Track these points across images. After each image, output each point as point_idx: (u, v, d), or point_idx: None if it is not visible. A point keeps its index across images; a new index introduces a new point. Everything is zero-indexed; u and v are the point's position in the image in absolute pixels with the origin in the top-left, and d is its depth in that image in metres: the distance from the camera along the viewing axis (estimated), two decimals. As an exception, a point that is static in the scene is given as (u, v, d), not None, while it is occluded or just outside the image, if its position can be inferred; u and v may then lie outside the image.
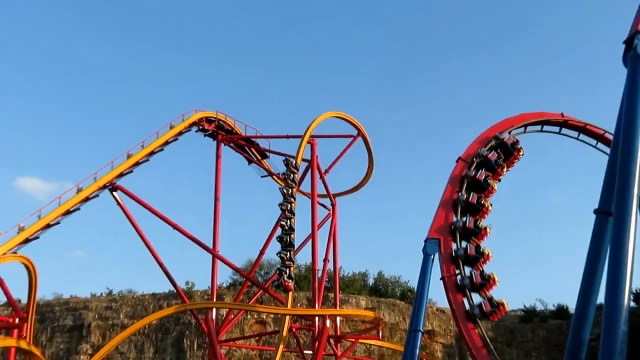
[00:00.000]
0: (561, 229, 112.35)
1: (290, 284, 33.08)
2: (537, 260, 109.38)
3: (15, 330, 31.57)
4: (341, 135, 43.24)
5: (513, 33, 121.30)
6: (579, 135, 31.17)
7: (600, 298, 14.23)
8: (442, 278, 25.17)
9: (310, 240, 37.70)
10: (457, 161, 28.38)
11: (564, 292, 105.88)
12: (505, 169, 29.16)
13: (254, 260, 42.71)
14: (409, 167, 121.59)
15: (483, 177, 28.03)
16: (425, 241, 25.35)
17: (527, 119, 30.12)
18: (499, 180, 29.02)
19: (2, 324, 32.21)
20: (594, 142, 31.15)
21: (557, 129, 31.08)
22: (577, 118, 31.14)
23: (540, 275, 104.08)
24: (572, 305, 55.85)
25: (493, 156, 28.73)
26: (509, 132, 29.67)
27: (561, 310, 56.76)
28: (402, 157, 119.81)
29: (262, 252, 40.98)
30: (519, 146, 29.43)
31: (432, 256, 25.01)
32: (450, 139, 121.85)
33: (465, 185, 27.70)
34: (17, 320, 31.72)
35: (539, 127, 30.78)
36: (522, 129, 30.28)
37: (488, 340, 24.61)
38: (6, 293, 31.40)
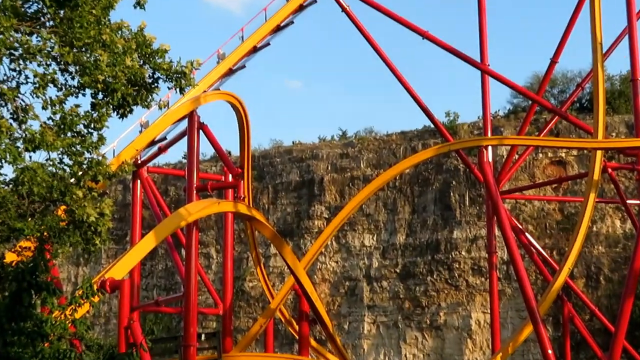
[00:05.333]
0: None
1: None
2: None
3: (230, 191, 33.39)
4: None
5: None
6: None
7: None
8: None
9: (627, 36, 36.18)
10: None
11: None
12: None
13: (543, 75, 42.06)
14: None
15: None
16: None
17: None
18: None
19: (213, 183, 33.81)
20: None
21: None
22: None
23: None
24: None
25: None
26: None
27: None
28: None
29: (553, 61, 40.22)
30: None
31: None
32: None
33: None
34: (230, 178, 33.65)
35: None
36: None
37: None
38: (214, 143, 33.20)
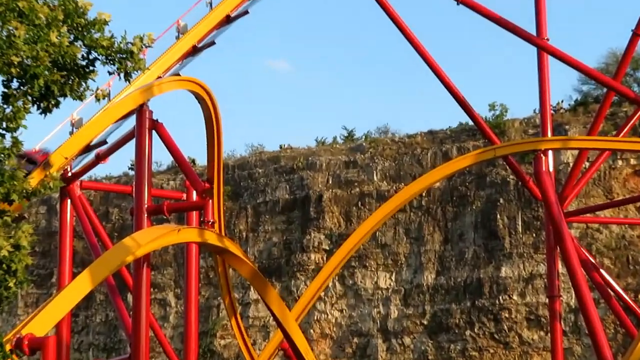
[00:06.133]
0: None
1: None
2: None
3: (194, 214, 34.07)
4: None
5: None
6: None
7: None
8: None
9: None
10: None
11: None
12: None
13: (622, 53, 42.20)
14: None
15: None
16: None
17: None
18: None
19: (171, 203, 34.11)
20: None
21: None
22: None
23: None
24: None
25: None
26: None
27: None
28: None
29: (636, 34, 40.38)
30: None
31: None
32: None
33: None
34: (194, 196, 34.24)
35: None
36: None
37: None
38: (172, 149, 33.29)
